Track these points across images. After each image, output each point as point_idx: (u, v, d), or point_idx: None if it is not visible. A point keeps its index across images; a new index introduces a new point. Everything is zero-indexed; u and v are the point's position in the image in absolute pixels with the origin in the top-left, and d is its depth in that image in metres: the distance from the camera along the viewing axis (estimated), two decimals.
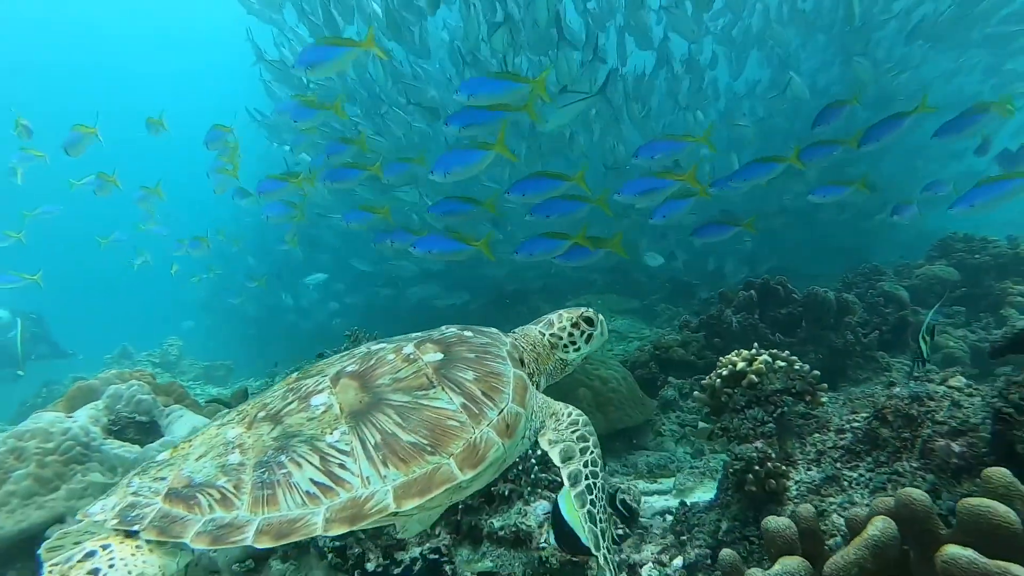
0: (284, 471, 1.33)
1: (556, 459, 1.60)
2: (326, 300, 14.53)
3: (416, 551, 2.56)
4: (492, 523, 2.56)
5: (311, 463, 1.34)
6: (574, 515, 1.50)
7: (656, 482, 4.34)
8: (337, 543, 2.57)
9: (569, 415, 1.70)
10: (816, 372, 2.64)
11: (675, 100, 10.31)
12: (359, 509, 1.31)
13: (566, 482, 1.57)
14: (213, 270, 10.12)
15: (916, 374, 2.52)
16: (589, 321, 1.96)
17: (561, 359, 1.95)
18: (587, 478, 1.55)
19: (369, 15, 8.54)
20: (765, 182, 6.23)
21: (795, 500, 2.47)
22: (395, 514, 1.34)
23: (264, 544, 1.25)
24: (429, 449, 1.39)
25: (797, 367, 2.63)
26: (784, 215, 11.41)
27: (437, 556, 2.60)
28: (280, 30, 10.15)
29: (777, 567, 1.37)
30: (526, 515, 2.52)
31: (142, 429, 3.79)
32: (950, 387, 2.29)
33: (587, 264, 6.29)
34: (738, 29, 10.71)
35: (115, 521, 1.29)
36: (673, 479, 4.24)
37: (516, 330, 1.97)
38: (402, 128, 9.42)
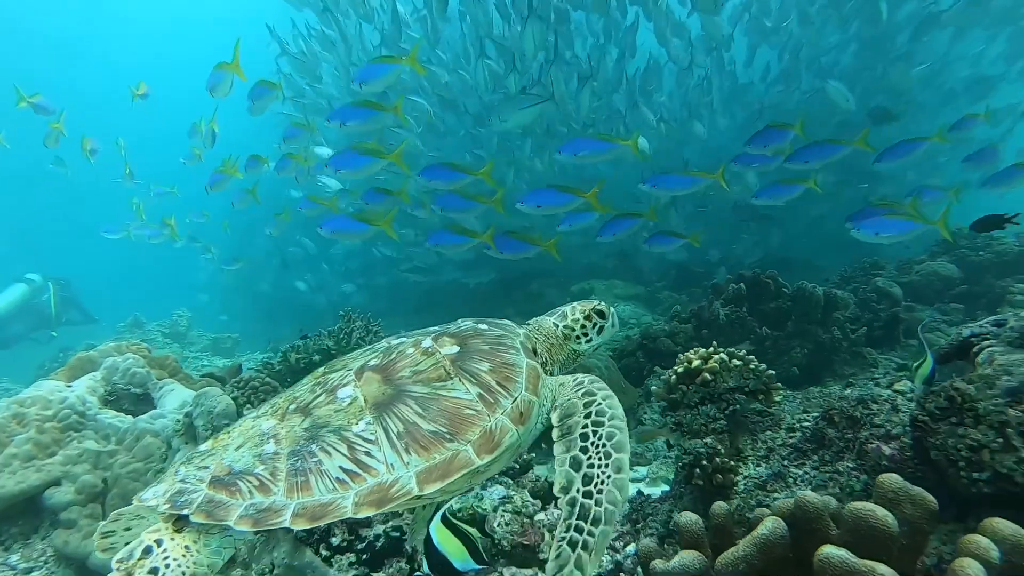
0: (315, 459, 1.42)
1: (554, 418, 1.63)
2: (341, 279, 14.72)
3: (380, 528, 2.70)
4: (452, 505, 2.68)
5: (340, 451, 1.43)
6: (447, 543, 1.58)
7: (632, 470, 4.44)
8: None
9: (576, 380, 1.73)
10: (771, 372, 2.70)
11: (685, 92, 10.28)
12: (385, 493, 1.39)
13: (555, 433, 1.57)
14: (210, 249, 10.30)
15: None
16: (601, 314, 2.02)
17: (574, 350, 2.02)
18: (585, 427, 1.53)
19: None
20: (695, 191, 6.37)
21: (742, 495, 2.56)
22: (418, 497, 1.42)
23: (300, 526, 1.35)
24: (448, 437, 1.47)
25: (752, 366, 2.69)
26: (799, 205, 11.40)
27: (399, 534, 2.75)
28: (298, 23, 10.23)
29: (676, 560, 1.47)
30: (482, 499, 2.65)
31: (136, 400, 3.99)
32: (895, 391, 2.35)
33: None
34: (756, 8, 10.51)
35: (167, 506, 1.40)
36: (648, 467, 4.35)
37: (531, 321, 2.05)
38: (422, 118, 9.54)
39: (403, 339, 1.76)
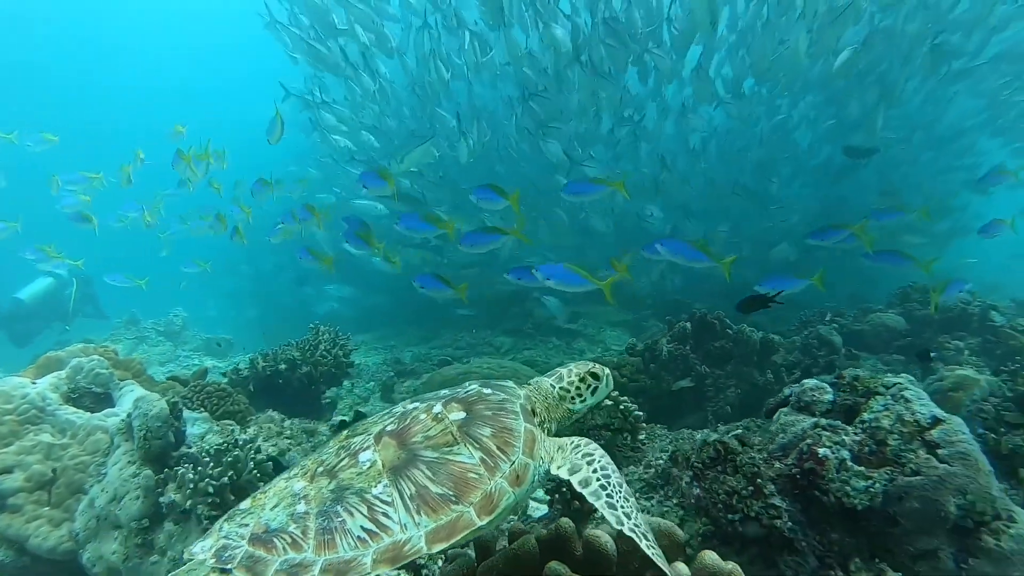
0: (340, 519, 1.63)
1: (564, 475, 1.83)
2: (366, 293, 15.02)
3: None
4: None
5: (361, 512, 1.64)
6: None
7: None
8: (214, 513, 3.05)
9: (573, 443, 1.94)
10: (639, 413, 2.99)
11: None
12: (399, 551, 1.59)
13: (578, 488, 1.79)
14: (202, 264, 10.63)
15: None
16: (595, 376, 2.19)
17: (568, 409, 2.19)
18: (599, 480, 1.78)
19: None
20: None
21: (599, 520, 2.85)
22: (428, 555, 1.64)
23: None
24: (453, 499, 1.67)
25: (622, 407, 2.98)
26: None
27: None
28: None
29: (453, 564, 1.78)
30: None
31: (98, 399, 4.35)
32: (731, 437, 2.63)
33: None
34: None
35: (212, 560, 1.64)
36: None
37: (532, 381, 2.24)
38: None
39: (417, 404, 1.97)
